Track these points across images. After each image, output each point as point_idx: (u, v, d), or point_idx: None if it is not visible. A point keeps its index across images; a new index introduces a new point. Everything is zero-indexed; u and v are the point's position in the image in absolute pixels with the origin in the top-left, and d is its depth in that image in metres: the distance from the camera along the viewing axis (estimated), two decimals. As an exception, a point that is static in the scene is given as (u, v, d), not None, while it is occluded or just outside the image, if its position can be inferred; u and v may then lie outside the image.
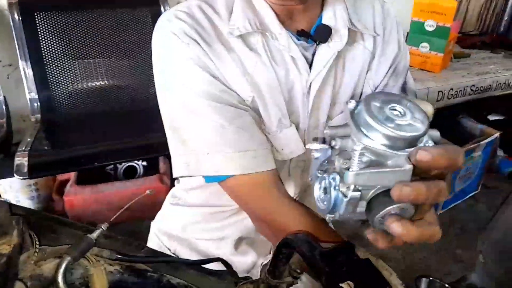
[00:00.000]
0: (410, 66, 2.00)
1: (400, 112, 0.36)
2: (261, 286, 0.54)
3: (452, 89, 1.85)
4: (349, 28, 0.66)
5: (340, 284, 0.39)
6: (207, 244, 0.84)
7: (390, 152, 0.35)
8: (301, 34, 0.64)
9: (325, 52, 0.65)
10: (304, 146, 0.68)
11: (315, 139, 0.40)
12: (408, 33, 2.00)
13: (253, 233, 0.82)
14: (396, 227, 0.36)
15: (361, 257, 0.44)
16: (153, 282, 0.47)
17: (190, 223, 0.86)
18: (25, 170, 1.31)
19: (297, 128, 0.68)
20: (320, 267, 0.42)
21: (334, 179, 0.37)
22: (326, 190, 0.39)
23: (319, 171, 0.40)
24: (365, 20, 0.70)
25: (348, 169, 0.35)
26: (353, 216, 0.39)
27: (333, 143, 0.37)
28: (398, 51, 0.72)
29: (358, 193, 0.36)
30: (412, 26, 1.95)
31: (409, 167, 0.35)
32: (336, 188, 0.37)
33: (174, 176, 0.66)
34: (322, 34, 0.64)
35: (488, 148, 2.26)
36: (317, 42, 0.65)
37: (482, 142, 2.17)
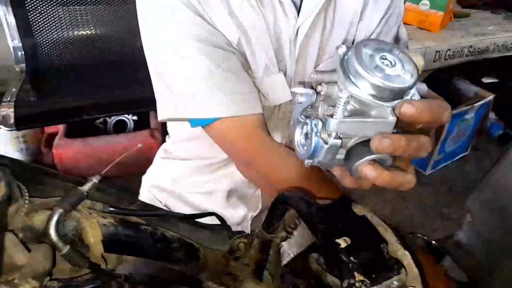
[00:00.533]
0: (409, 24, 1.95)
1: (390, 62, 0.35)
2: (255, 241, 0.54)
3: (449, 49, 1.81)
4: None
5: (336, 240, 0.39)
6: (197, 197, 0.85)
7: (376, 102, 0.34)
8: None
9: None
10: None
11: (301, 83, 0.38)
12: (409, -11, 1.93)
13: (242, 186, 0.83)
14: (368, 170, 0.36)
15: (358, 213, 0.44)
16: (147, 235, 0.47)
17: (180, 176, 0.86)
18: (11, 121, 1.28)
19: (285, 75, 0.67)
20: (316, 223, 0.42)
21: (316, 125, 0.37)
22: (307, 135, 0.39)
23: (302, 116, 0.40)
24: None
25: (331, 116, 0.35)
26: (332, 163, 0.39)
27: (318, 88, 0.36)
28: (391, 1, 0.71)
29: (339, 141, 0.36)
30: (413, -19, 1.88)
31: (392, 119, 0.35)
32: (318, 134, 0.36)
33: (159, 118, 0.66)
34: None
35: (481, 111, 2.26)
36: None
37: (475, 105, 2.17)
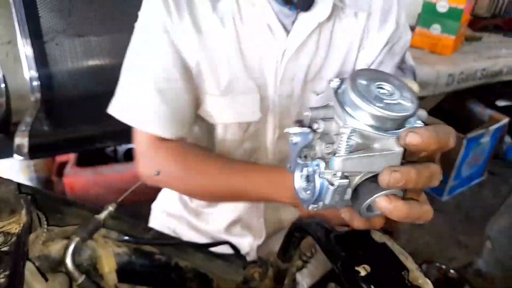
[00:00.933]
0: (421, 48, 1.95)
1: (388, 90, 0.34)
2: (269, 270, 0.52)
3: (462, 72, 1.80)
4: (334, 3, 0.66)
5: (356, 268, 0.38)
6: (205, 224, 0.85)
7: (378, 134, 0.33)
8: (285, 1, 0.65)
9: (305, 21, 0.66)
10: (261, 114, 0.70)
11: (297, 122, 0.37)
12: (419, 14, 1.94)
13: (246, 214, 0.83)
14: (383, 202, 0.34)
15: (377, 240, 0.43)
16: (161, 264, 0.46)
17: (186, 200, 0.87)
18: (26, 150, 1.28)
19: (265, 96, 0.69)
20: (335, 251, 0.41)
21: (318, 165, 0.34)
22: (308, 178, 0.36)
23: (299, 158, 0.37)
24: None
25: (334, 154, 0.33)
26: (338, 205, 0.36)
27: (315, 126, 0.34)
28: (395, 30, 0.72)
29: (346, 181, 0.33)
30: (424, 7, 1.89)
31: (399, 150, 0.33)
32: (321, 175, 0.34)
33: (108, 110, 0.72)
34: (303, 2, 0.64)
35: (496, 134, 2.23)
36: (299, 10, 0.65)
37: (490, 128, 2.14)
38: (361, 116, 0.32)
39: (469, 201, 2.26)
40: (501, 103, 2.62)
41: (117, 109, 0.70)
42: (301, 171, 0.37)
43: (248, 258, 0.58)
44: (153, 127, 0.68)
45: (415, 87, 0.44)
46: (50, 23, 1.65)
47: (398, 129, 0.33)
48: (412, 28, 2.00)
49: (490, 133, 2.17)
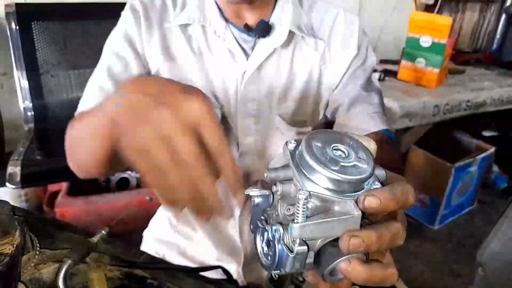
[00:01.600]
0: (407, 81, 2.01)
1: (343, 152, 0.34)
2: (262, 295, 0.52)
3: (447, 103, 1.86)
4: (291, 30, 0.72)
5: None
6: (194, 249, 0.85)
7: (337, 197, 0.32)
8: (246, 28, 0.73)
9: (262, 46, 0.72)
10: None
11: (256, 183, 0.37)
12: (403, 48, 2.02)
13: (227, 239, 0.83)
14: (343, 266, 0.33)
15: None
16: None
17: (173, 224, 0.88)
18: (18, 179, 1.29)
19: (228, 114, 0.74)
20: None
21: (277, 231, 0.33)
22: (269, 243, 0.35)
23: (261, 220, 0.36)
24: (319, 26, 0.77)
25: (293, 220, 0.32)
26: (302, 269, 0.34)
27: (274, 188, 0.34)
28: (356, 55, 0.77)
29: (305, 247, 0.32)
30: (408, 41, 1.97)
31: (357, 213, 0.32)
32: (280, 241, 0.33)
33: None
34: (261, 29, 0.72)
35: (483, 163, 2.27)
36: (257, 36, 0.72)
37: (477, 157, 2.18)
38: (318, 180, 0.32)
39: (461, 229, 2.27)
40: (487, 133, 2.69)
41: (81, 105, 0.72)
42: (261, 235, 0.36)
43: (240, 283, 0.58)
44: (88, 103, 0.70)
45: (371, 145, 0.44)
46: (45, 56, 1.68)
47: (357, 191, 0.33)
48: (398, 62, 2.08)
49: (478, 162, 2.21)
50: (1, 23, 1.67)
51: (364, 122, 0.72)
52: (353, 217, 0.32)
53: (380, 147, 0.64)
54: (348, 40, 0.77)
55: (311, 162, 0.32)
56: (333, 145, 0.34)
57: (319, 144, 0.34)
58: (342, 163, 0.32)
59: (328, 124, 0.82)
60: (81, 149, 0.51)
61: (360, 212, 0.32)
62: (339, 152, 0.34)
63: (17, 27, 1.61)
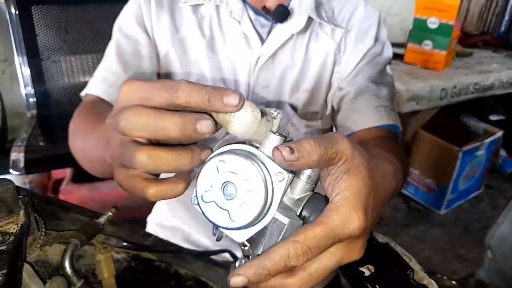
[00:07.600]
0: (413, 64, 1.98)
1: (232, 190, 0.31)
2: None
3: (455, 86, 1.83)
4: (309, 16, 0.69)
5: (360, 268, 0.37)
6: (198, 234, 0.84)
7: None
8: (264, 11, 0.69)
9: (279, 31, 0.69)
10: None
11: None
12: (410, 30, 1.98)
13: None
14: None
15: (380, 241, 0.42)
16: (160, 271, 0.45)
17: (177, 208, 0.86)
18: (22, 165, 1.28)
19: None
20: None
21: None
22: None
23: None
24: (338, 15, 0.74)
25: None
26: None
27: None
28: (372, 46, 0.75)
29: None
30: (414, 23, 1.93)
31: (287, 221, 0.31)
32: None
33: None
34: (279, 14, 0.68)
35: (491, 147, 2.24)
36: (274, 21, 0.68)
37: (485, 141, 2.16)
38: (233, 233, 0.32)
39: (467, 214, 2.25)
40: (494, 117, 2.65)
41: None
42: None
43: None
44: (95, 89, 0.69)
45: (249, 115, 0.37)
46: (47, 41, 1.66)
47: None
48: (404, 45, 2.04)
49: (485, 146, 2.18)
50: (0, 8, 1.64)
51: (367, 116, 0.69)
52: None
53: (379, 144, 0.61)
54: (366, 32, 0.75)
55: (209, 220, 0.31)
56: (222, 182, 0.31)
57: (208, 189, 0.31)
58: (230, 213, 0.30)
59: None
60: (86, 162, 0.62)
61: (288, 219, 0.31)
62: (229, 189, 0.31)
63: (17, 12, 1.58)
